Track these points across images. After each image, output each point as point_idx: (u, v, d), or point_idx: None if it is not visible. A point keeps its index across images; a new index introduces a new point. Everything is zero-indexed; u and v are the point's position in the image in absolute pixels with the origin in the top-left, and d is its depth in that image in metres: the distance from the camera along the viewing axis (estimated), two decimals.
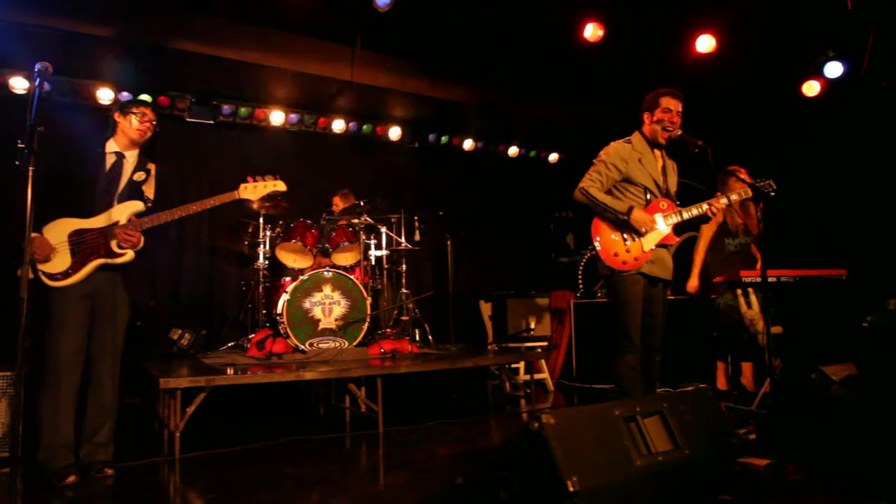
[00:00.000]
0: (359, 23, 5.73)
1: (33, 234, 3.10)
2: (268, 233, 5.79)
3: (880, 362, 5.16)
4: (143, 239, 3.47)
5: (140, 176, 3.60)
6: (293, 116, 6.88)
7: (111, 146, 3.56)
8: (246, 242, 6.10)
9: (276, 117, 6.82)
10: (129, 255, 3.45)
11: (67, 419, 3.31)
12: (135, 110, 3.56)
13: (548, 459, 2.05)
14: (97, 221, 3.42)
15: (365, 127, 7.30)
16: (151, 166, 3.68)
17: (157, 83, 6.19)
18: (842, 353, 5.54)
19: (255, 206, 5.73)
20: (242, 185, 3.69)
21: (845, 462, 3.22)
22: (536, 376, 5.98)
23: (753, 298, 4.61)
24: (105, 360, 3.44)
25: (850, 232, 6.24)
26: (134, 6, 5.30)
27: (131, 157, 3.61)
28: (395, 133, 7.50)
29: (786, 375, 4.31)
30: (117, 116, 3.57)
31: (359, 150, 7.49)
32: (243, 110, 6.64)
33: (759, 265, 4.85)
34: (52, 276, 3.29)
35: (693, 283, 5.28)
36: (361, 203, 5.82)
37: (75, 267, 3.34)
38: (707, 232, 5.26)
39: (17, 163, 2.60)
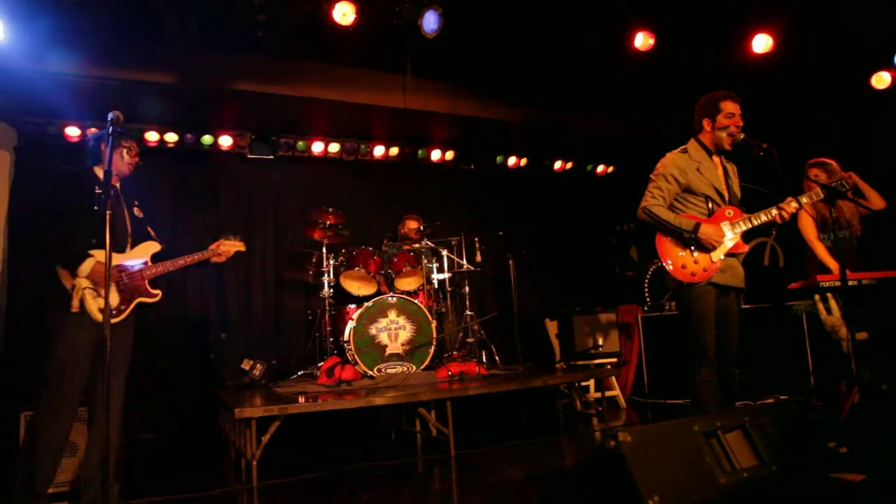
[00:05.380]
0: (408, 50, 5.82)
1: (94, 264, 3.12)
2: (331, 262, 5.88)
3: None
4: None
5: (139, 213, 3.49)
6: (349, 146, 7.02)
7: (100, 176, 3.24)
8: (310, 272, 6.20)
9: (333, 148, 6.97)
10: (159, 294, 3.40)
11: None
12: (125, 143, 3.42)
13: (626, 479, 1.99)
14: (123, 257, 3.32)
15: (420, 151, 7.38)
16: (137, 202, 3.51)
17: (218, 123, 6.43)
18: None
19: (316, 235, 5.88)
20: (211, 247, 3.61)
21: None
22: (607, 393, 5.85)
23: (833, 304, 4.38)
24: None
25: None
26: (192, 53, 5.53)
27: (119, 186, 3.45)
28: (450, 156, 7.55)
29: (875, 383, 4.05)
30: (103, 147, 3.26)
31: (415, 175, 7.57)
32: (300, 143, 6.83)
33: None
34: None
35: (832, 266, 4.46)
36: (421, 227, 5.86)
37: (124, 303, 3.26)
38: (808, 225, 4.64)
39: (95, 208, 2.72)
